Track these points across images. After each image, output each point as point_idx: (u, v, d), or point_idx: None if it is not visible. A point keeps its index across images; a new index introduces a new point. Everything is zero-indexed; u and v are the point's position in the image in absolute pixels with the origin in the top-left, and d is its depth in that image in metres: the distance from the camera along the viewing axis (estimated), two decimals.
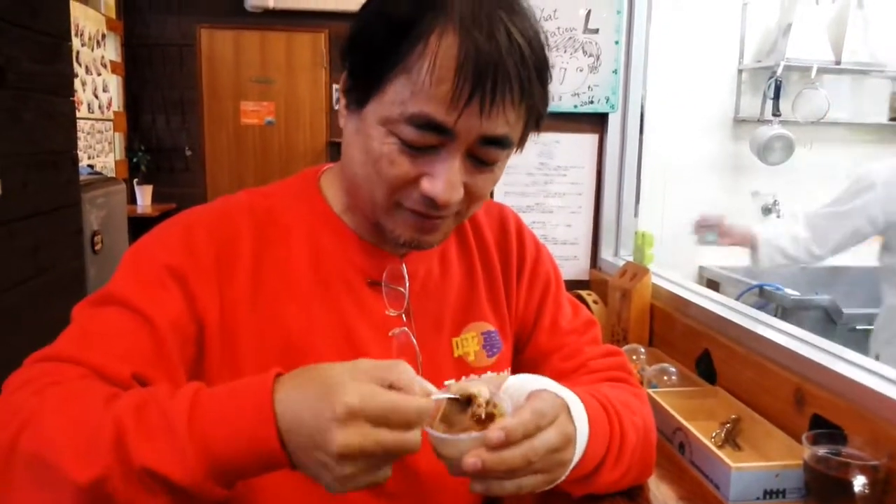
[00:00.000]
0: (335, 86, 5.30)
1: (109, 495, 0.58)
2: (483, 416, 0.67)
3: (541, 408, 0.69)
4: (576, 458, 0.74)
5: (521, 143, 0.80)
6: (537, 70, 0.73)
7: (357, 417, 0.56)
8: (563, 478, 0.72)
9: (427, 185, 0.73)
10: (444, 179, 0.72)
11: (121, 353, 0.69)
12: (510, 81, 0.70)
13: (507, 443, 0.64)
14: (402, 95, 0.70)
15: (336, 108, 5.01)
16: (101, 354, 0.68)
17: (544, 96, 0.77)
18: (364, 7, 0.76)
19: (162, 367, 0.70)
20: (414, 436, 0.59)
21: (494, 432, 0.64)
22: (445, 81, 0.68)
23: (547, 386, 0.75)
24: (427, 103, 0.69)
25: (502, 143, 0.74)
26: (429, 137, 0.71)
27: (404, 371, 0.61)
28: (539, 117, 0.78)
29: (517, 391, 0.73)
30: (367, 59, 0.73)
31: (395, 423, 0.58)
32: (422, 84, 0.69)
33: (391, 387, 0.59)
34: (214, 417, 0.59)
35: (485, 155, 0.75)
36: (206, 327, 0.75)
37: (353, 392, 0.56)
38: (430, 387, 0.65)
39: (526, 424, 0.66)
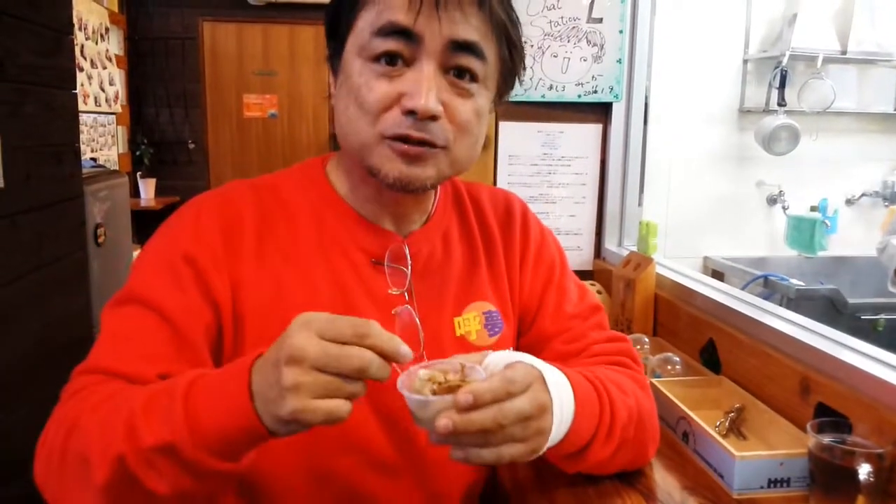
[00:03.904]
0: None
1: (131, 475, 0.63)
2: (455, 385, 0.68)
3: (511, 375, 0.70)
4: (561, 431, 0.75)
5: (504, 76, 0.84)
6: None
7: (309, 327, 0.60)
8: (544, 448, 0.73)
9: (405, 101, 0.76)
10: (419, 89, 0.75)
11: (146, 354, 0.74)
12: None
13: (475, 405, 0.65)
14: (369, 20, 0.77)
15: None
16: (128, 361, 0.74)
17: (507, 13, 0.81)
18: None
19: (185, 360, 0.75)
20: (365, 352, 0.60)
21: (462, 394, 0.65)
22: None
23: (522, 358, 0.76)
24: (389, 13, 0.75)
25: (473, 50, 0.77)
26: (395, 43, 0.75)
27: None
28: (511, 42, 0.82)
29: (496, 366, 0.74)
30: (339, 10, 0.81)
31: (343, 334, 0.60)
32: (383, 2, 0.76)
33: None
34: (204, 390, 0.64)
35: (457, 61, 0.77)
36: (221, 309, 0.79)
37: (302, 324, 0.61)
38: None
39: (495, 389, 0.67)
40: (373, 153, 0.79)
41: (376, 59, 0.76)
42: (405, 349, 0.62)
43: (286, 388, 0.58)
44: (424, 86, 0.75)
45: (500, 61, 0.82)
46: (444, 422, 0.64)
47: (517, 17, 0.84)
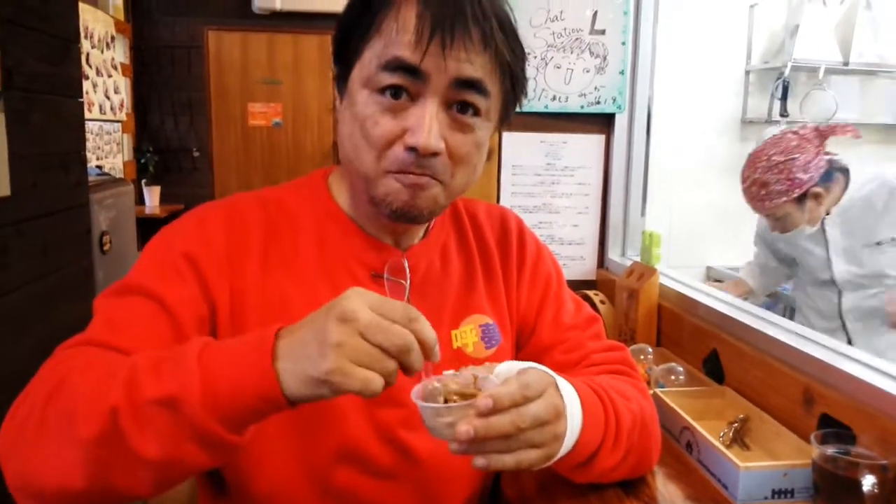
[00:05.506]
0: None
1: (120, 432, 0.61)
2: (469, 395, 0.70)
3: (527, 380, 0.71)
4: (570, 441, 0.75)
5: (506, 107, 0.84)
6: (497, 19, 0.79)
7: (358, 296, 0.62)
8: (560, 453, 0.74)
9: (408, 137, 0.77)
10: (421, 126, 0.76)
11: (143, 337, 0.74)
12: (467, 21, 0.76)
13: (495, 409, 0.66)
14: (376, 52, 0.78)
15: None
16: (125, 339, 0.73)
17: (511, 50, 0.81)
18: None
19: None
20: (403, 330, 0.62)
21: (482, 399, 0.66)
22: (409, 28, 0.76)
23: (535, 366, 0.77)
24: (396, 49, 0.76)
25: (477, 88, 0.78)
26: (400, 79, 0.76)
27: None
28: (514, 77, 0.83)
29: (507, 374, 0.75)
30: (346, 37, 0.82)
31: (395, 312, 0.62)
32: (391, 37, 0.77)
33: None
34: (222, 352, 0.64)
35: (461, 97, 0.78)
36: (218, 310, 0.80)
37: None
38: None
39: (513, 393, 0.69)
40: (377, 185, 0.80)
41: (381, 91, 0.78)
42: (438, 350, 0.64)
43: (330, 343, 0.59)
44: (427, 123, 0.76)
45: (503, 94, 0.83)
46: (465, 428, 0.65)
47: (521, 50, 0.84)
